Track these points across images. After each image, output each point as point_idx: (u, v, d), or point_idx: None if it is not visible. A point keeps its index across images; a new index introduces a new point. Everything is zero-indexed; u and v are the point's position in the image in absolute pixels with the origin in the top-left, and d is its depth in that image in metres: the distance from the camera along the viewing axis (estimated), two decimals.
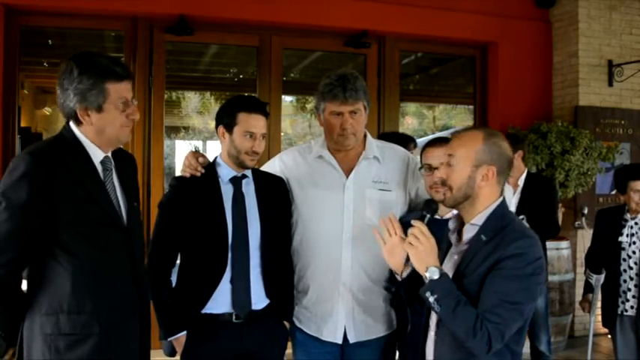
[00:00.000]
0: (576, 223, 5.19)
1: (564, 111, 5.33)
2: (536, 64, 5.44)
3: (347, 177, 2.33)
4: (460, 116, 10.60)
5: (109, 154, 1.86)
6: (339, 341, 2.31)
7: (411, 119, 11.32)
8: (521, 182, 3.87)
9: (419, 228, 1.69)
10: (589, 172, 4.88)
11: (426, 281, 1.64)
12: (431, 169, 2.24)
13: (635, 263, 3.35)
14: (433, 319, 1.77)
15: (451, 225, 1.81)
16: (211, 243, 2.18)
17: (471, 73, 5.67)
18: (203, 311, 2.17)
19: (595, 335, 4.18)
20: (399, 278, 1.88)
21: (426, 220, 1.78)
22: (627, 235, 3.39)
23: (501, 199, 1.73)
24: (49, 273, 1.71)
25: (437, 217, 2.00)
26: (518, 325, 1.63)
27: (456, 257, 1.75)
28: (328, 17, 4.78)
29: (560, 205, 4.58)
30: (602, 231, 3.58)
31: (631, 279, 3.35)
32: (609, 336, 3.85)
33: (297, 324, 2.37)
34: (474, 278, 1.64)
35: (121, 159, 1.93)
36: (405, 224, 1.85)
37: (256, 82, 4.89)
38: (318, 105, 2.37)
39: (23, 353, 1.73)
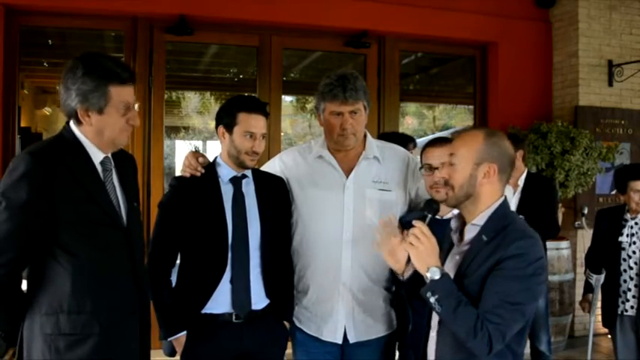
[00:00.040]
0: (576, 223, 5.19)
1: (564, 111, 5.33)
2: (536, 64, 5.44)
3: (347, 177, 2.33)
4: (460, 116, 10.60)
5: (109, 155, 1.86)
6: (339, 341, 2.30)
7: (411, 119, 11.32)
8: (521, 182, 3.87)
9: (420, 228, 1.69)
10: (589, 172, 4.88)
11: (427, 281, 1.64)
12: (431, 169, 2.23)
13: (635, 263, 3.35)
14: (435, 319, 1.77)
15: (453, 224, 1.81)
16: (211, 243, 2.18)
17: (471, 73, 5.67)
18: (203, 311, 2.17)
19: (595, 335, 4.18)
20: (401, 279, 1.88)
21: (427, 220, 1.77)
22: (627, 235, 3.39)
23: (503, 198, 1.73)
24: (49, 273, 1.71)
25: (437, 217, 2.00)
26: (520, 325, 1.63)
27: (457, 257, 1.75)
28: (328, 17, 4.78)
29: (560, 205, 4.58)
30: (602, 231, 3.58)
31: (631, 279, 3.35)
32: (609, 336, 3.85)
33: (297, 324, 2.37)
34: (475, 278, 1.63)
35: (121, 159, 1.93)
36: (405, 224, 1.84)
37: (256, 82, 4.89)
38: (318, 105, 2.36)
39: (23, 353, 1.73)
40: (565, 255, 4.75)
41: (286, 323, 2.34)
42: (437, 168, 2.20)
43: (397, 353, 2.47)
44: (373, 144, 2.42)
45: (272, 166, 2.49)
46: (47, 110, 8.31)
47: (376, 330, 2.34)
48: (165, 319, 2.18)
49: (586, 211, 5.12)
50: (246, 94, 2.67)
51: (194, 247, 2.22)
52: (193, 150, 2.77)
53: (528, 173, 3.95)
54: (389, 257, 1.85)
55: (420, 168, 2.31)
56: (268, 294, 2.24)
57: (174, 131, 10.66)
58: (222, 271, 2.16)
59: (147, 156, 4.48)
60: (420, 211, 1.91)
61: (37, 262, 1.73)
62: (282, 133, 5.53)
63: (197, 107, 10.27)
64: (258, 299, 2.22)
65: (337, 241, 2.28)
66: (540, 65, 5.46)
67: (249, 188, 2.27)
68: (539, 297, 1.68)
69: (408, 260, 1.78)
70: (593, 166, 4.91)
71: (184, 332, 2.18)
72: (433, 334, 1.77)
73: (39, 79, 7.45)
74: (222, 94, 8.65)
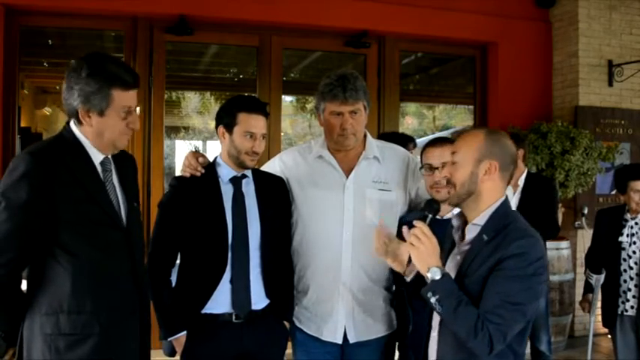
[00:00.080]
0: (576, 223, 5.19)
1: (564, 111, 5.33)
2: (536, 64, 5.44)
3: (347, 177, 2.33)
4: (460, 116, 10.60)
5: (109, 156, 1.86)
6: (339, 341, 2.30)
7: (411, 119, 11.33)
8: (521, 182, 3.86)
9: (420, 228, 1.69)
10: (589, 172, 4.88)
11: (428, 281, 1.64)
12: (431, 169, 2.23)
13: (635, 263, 3.35)
14: (436, 319, 1.77)
15: (455, 222, 1.81)
16: (211, 243, 2.18)
17: (471, 73, 5.67)
18: (203, 311, 2.17)
19: (595, 335, 4.18)
20: (407, 280, 1.89)
21: (428, 220, 1.77)
22: (627, 235, 3.39)
23: (504, 197, 1.73)
24: (49, 273, 1.71)
25: (437, 217, 2.00)
26: (521, 325, 1.63)
27: (458, 257, 1.75)
28: (328, 17, 4.78)
29: (560, 205, 4.58)
30: (602, 231, 3.58)
31: (631, 279, 3.35)
32: (609, 336, 3.85)
33: (297, 324, 2.37)
34: (475, 278, 1.63)
35: (121, 159, 1.93)
36: (405, 224, 1.84)
37: (256, 82, 4.89)
38: (318, 105, 2.36)
39: (23, 353, 1.73)
40: (565, 255, 4.75)
41: (286, 323, 2.34)
42: (437, 168, 2.20)
43: (397, 353, 2.47)
44: (373, 144, 2.42)
45: (272, 166, 2.49)
46: (47, 110, 8.31)
47: (376, 330, 2.34)
48: (165, 319, 2.18)
49: (586, 211, 5.12)
50: (246, 94, 2.67)
51: (194, 247, 2.22)
52: (193, 150, 2.77)
53: (528, 173, 3.95)
54: (392, 261, 1.86)
55: (420, 168, 2.31)
56: (268, 294, 2.24)
57: (174, 131, 10.67)
58: (222, 271, 2.16)
59: (147, 156, 4.48)
60: (420, 211, 1.91)
61: (37, 262, 1.73)
62: (282, 133, 5.53)
63: (197, 107, 10.28)
64: (258, 299, 2.22)
65: (337, 241, 2.28)
66: (540, 65, 5.46)
67: (249, 188, 2.27)
68: (540, 297, 1.68)
69: (409, 260, 1.78)
70: (593, 166, 4.91)
71: (184, 332, 2.18)
72: (434, 334, 1.77)
73: (39, 79, 7.45)
74: (222, 94, 8.65)
